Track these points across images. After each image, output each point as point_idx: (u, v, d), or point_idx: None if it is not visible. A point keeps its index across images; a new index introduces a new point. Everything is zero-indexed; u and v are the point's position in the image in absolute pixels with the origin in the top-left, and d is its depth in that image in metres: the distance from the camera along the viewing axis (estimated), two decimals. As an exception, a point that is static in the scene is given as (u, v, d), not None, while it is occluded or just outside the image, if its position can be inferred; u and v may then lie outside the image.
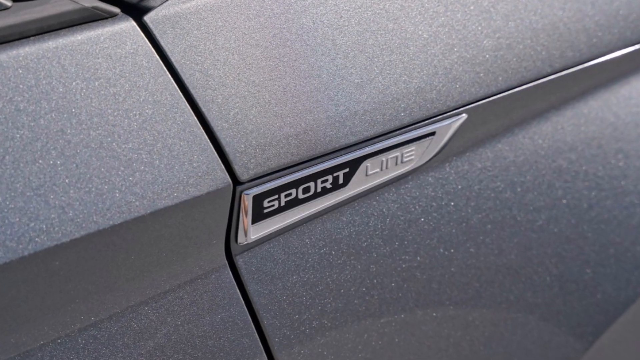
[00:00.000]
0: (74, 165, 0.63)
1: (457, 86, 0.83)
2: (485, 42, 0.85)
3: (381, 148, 0.80)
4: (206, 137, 0.69)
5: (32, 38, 0.64)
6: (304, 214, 0.78)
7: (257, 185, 0.73)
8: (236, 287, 0.76)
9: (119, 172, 0.65)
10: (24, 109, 0.62)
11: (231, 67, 0.71)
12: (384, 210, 0.84)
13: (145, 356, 0.72)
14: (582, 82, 0.96)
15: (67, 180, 0.62)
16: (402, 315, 0.87)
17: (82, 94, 0.64)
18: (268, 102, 0.72)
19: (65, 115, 0.63)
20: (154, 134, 0.66)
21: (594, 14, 0.93)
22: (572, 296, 0.97)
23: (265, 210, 0.75)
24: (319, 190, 0.78)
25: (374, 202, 0.83)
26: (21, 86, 0.62)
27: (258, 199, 0.74)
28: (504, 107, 0.89)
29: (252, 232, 0.75)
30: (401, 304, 0.86)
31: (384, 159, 0.81)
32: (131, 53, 0.66)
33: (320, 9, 0.75)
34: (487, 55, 0.85)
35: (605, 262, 0.98)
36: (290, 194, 0.76)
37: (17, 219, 0.60)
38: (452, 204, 0.88)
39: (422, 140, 0.83)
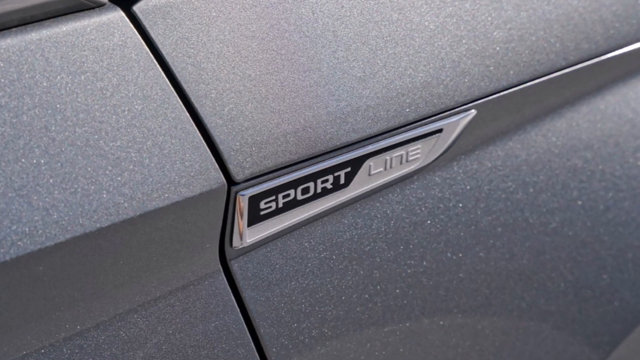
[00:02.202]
0: (59, 164, 0.63)
1: (466, 80, 0.83)
2: (495, 33, 0.85)
3: (385, 146, 0.80)
4: (199, 134, 0.69)
5: (14, 29, 0.64)
6: (303, 216, 0.78)
7: (253, 186, 0.73)
8: (231, 293, 0.76)
9: (107, 172, 0.65)
10: (5, 104, 0.62)
11: (226, 60, 0.71)
12: (388, 212, 0.84)
13: (135, 367, 0.72)
14: (599, 76, 0.96)
15: (51, 181, 0.62)
16: (407, 324, 0.87)
17: (68, 89, 0.64)
18: (265, 97, 0.72)
19: (49, 112, 0.63)
20: (143, 131, 0.66)
21: (610, 3, 0.94)
22: (587, 303, 0.97)
23: (262, 212, 0.75)
24: (319, 190, 0.78)
25: (377, 204, 0.83)
26: (2, 80, 0.62)
27: (254, 200, 0.74)
28: (516, 103, 0.89)
29: (248, 235, 0.75)
30: (406, 312, 0.86)
31: (387, 157, 0.81)
32: (119, 45, 0.66)
33: (320, -2, 0.75)
34: (498, 48, 0.85)
35: (623, 267, 0.98)
36: (288, 195, 0.76)
37: (-1, 222, 0.60)
38: (461, 205, 0.88)
39: (429, 137, 0.83)
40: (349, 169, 0.79)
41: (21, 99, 0.62)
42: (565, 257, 0.94)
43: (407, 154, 0.82)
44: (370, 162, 0.80)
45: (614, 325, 0.99)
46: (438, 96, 0.82)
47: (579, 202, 0.95)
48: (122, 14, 0.67)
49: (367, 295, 0.84)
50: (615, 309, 0.98)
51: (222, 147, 0.70)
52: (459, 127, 0.85)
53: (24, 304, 0.64)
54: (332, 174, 0.78)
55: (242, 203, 0.73)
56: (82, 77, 0.65)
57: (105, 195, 0.64)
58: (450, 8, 0.82)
